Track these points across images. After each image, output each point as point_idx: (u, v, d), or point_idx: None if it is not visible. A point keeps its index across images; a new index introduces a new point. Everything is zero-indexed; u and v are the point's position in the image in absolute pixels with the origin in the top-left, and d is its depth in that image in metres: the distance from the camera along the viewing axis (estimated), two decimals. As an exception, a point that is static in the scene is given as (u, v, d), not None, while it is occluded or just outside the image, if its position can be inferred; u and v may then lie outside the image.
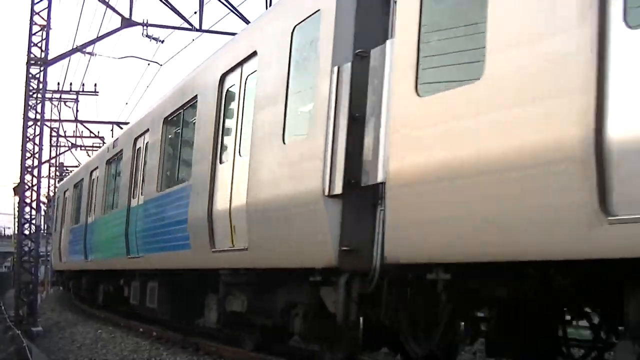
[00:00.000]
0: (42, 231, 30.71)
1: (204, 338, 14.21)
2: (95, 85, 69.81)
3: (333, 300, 7.93)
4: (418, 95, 6.35)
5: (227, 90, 10.85)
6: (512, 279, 6.04)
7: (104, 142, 41.56)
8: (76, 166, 44.15)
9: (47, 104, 35.20)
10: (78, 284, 25.73)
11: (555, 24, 5.21)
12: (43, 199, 43.75)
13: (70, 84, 43.85)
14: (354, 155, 7.23)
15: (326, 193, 7.53)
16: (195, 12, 21.74)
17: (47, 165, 47.94)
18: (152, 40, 23.44)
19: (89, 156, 36.97)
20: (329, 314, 8.21)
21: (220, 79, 10.97)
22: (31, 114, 21.18)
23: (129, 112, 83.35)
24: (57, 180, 51.00)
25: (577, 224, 4.96)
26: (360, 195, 7.31)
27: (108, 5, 21.82)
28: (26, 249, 21.35)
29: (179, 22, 22.47)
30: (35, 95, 21.10)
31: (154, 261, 13.92)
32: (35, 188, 21.49)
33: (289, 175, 8.41)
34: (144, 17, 27.76)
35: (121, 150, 17.49)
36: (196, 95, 12.03)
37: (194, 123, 12.06)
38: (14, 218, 45.97)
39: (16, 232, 24.35)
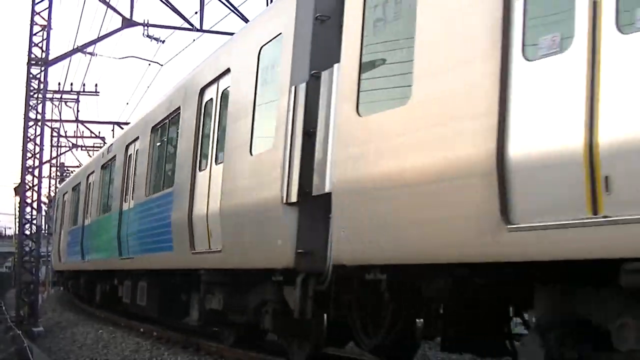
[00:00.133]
0: (42, 231, 30.83)
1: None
2: (96, 85, 69.54)
3: (293, 298, 8.70)
4: (359, 115, 7.12)
5: (206, 102, 11.64)
6: (439, 278, 6.78)
7: (104, 143, 41.41)
8: (77, 166, 44.64)
9: (48, 104, 35.30)
10: (77, 284, 26.62)
11: (467, 57, 5.97)
12: (44, 199, 43.67)
13: (71, 84, 44.00)
14: (308, 167, 8.01)
15: (284, 201, 8.31)
16: (196, 12, 21.76)
17: (47, 165, 48.04)
18: (153, 40, 23.46)
19: (90, 156, 37.50)
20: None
21: (200, 92, 11.76)
22: (32, 114, 21.26)
23: (130, 113, 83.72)
24: (57, 180, 51.25)
25: (483, 231, 5.71)
26: (314, 203, 8.07)
27: (109, 6, 21.86)
28: (27, 249, 21.49)
29: (180, 22, 22.51)
30: (36, 96, 21.17)
31: (142, 262, 14.73)
32: (36, 188, 21.61)
33: (255, 184, 9.19)
34: (144, 17, 28.14)
35: (114, 156, 18.33)
36: (179, 107, 12.82)
37: (178, 132, 12.85)
38: (15, 218, 45.33)
39: (17, 232, 24.56)
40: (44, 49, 20.96)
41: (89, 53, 26.88)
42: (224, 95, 10.83)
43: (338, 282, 8.03)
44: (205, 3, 21.57)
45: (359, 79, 7.19)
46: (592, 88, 5.04)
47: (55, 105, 43.35)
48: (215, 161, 10.88)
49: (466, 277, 6.38)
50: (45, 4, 21.00)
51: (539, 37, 5.53)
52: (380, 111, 6.88)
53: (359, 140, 7.08)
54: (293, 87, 8.37)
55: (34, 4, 20.93)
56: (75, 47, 23.39)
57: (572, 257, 5.19)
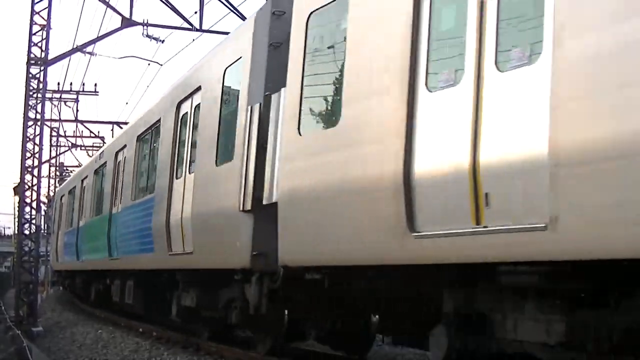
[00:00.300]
0: (42, 231, 30.64)
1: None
2: (96, 85, 67.91)
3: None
4: (299, 134, 8.08)
5: (182, 115, 12.62)
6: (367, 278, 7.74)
7: (104, 142, 41.21)
8: (76, 166, 44.93)
9: (47, 103, 34.66)
10: (73, 283, 27.67)
11: (382, 87, 6.93)
12: (43, 198, 43.38)
13: (71, 83, 43.66)
14: (260, 178, 8.97)
15: (241, 209, 9.28)
16: (196, 12, 21.71)
17: (47, 165, 47.60)
18: (153, 40, 23.27)
19: (89, 156, 37.37)
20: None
21: (177, 105, 12.75)
22: (31, 114, 21.09)
23: (129, 112, 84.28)
24: (57, 180, 51.20)
25: (394, 238, 6.66)
26: (266, 211, 9.03)
27: (108, 5, 21.77)
28: (26, 249, 21.42)
29: (179, 22, 22.23)
30: (35, 95, 21.02)
31: (129, 262, 15.74)
32: (35, 188, 21.49)
33: (219, 192, 10.17)
34: (144, 17, 27.49)
35: (105, 162, 19.36)
36: (160, 119, 13.80)
37: (159, 142, 13.84)
38: (14, 218, 44.18)
39: (16, 232, 24.34)
40: (44, 48, 20.82)
41: (89, 53, 26.53)
42: (197, 110, 11.81)
43: (288, 281, 8.99)
44: (204, 3, 21.53)
45: (301, 102, 8.15)
46: (476, 117, 5.99)
47: (55, 105, 43.16)
48: (189, 170, 11.86)
49: (388, 278, 7.34)
50: (45, 3, 20.94)
51: (438, 71, 6.48)
52: (317, 131, 7.84)
53: (299, 156, 8.04)
54: (249, 107, 9.34)
55: (33, 3, 20.86)
56: (75, 46, 23.32)
57: (460, 261, 6.14)
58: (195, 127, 11.81)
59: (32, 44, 20.77)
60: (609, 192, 4.84)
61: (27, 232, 21.48)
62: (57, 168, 53.04)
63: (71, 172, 48.10)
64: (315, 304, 8.96)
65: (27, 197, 21.46)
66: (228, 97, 10.35)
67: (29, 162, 21.23)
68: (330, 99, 7.81)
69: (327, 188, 7.49)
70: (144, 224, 14.15)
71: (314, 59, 8.13)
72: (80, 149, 47.35)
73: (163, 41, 23.58)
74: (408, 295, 7.84)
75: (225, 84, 10.45)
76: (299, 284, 8.93)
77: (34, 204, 21.50)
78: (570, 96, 5.14)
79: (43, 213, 36.45)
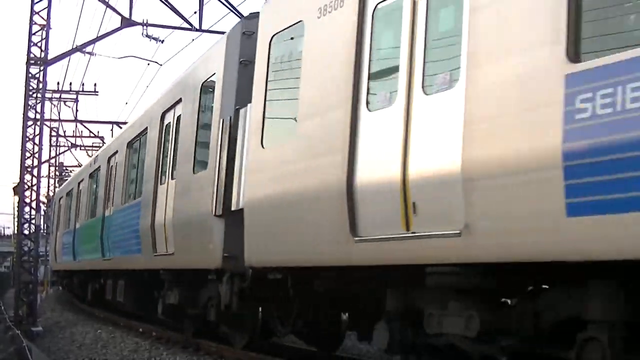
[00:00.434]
0: (41, 231, 30.74)
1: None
2: (95, 85, 67.29)
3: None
4: (262, 146, 8.86)
5: (166, 125, 13.43)
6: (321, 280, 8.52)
7: (103, 142, 41.21)
8: (76, 166, 45.16)
9: (47, 103, 34.42)
10: (71, 283, 28.55)
11: (329, 105, 7.71)
12: (43, 198, 43.33)
13: (70, 83, 43.87)
14: (229, 186, 9.76)
15: (214, 214, 10.07)
16: (195, 12, 21.70)
17: (46, 165, 47.85)
18: (152, 40, 23.24)
19: (89, 156, 37.56)
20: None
21: (162, 116, 13.56)
22: (31, 114, 21.06)
23: (129, 112, 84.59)
24: (56, 180, 51.45)
25: (339, 242, 7.43)
26: (236, 217, 9.81)
27: (108, 5, 21.78)
28: (26, 248, 21.35)
29: (179, 22, 22.30)
30: (35, 95, 20.99)
31: (119, 262, 16.58)
32: (35, 188, 21.45)
33: (196, 198, 10.98)
34: (143, 17, 27.50)
35: (99, 166, 20.20)
36: (146, 128, 14.62)
37: (146, 149, 14.66)
38: (14, 218, 44.64)
39: (16, 231, 24.27)
40: (43, 48, 20.77)
41: (88, 53, 26.56)
42: (178, 121, 12.61)
43: (258, 281, 9.77)
44: (204, 3, 21.56)
45: (264, 117, 8.93)
46: (406, 135, 6.77)
47: (54, 105, 43.11)
48: (171, 177, 12.66)
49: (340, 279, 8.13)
50: (45, 3, 20.95)
51: (376, 93, 7.26)
52: (277, 144, 8.62)
53: (262, 167, 8.83)
54: (221, 120, 10.13)
55: (33, 3, 20.86)
56: (75, 46, 23.33)
57: (394, 262, 6.91)
58: (177, 136, 12.61)
59: (32, 44, 20.76)
60: (512, 203, 5.61)
61: (26, 232, 21.44)
62: (57, 168, 53.21)
63: (71, 172, 48.30)
64: (284, 303, 9.73)
65: (27, 197, 21.42)
66: (204, 110, 11.16)
67: (28, 162, 21.22)
68: (289, 115, 8.58)
69: (286, 196, 8.28)
70: (132, 227, 14.96)
71: (275, 77, 8.92)
72: (80, 149, 47.37)
73: (163, 41, 23.56)
74: (359, 295, 8.63)
75: (201, 98, 11.26)
76: (264, 283, 9.72)
77: (34, 204, 21.46)
78: (478, 117, 5.92)
79: (42, 213, 35.74)
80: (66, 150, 48.60)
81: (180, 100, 12.42)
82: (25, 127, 21.15)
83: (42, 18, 20.84)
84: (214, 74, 10.67)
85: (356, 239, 7.23)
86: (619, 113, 4.93)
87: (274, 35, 8.99)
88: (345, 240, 7.34)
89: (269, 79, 8.99)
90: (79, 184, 24.54)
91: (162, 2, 21.19)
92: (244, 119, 9.61)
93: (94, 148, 44.86)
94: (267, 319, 10.96)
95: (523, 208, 5.51)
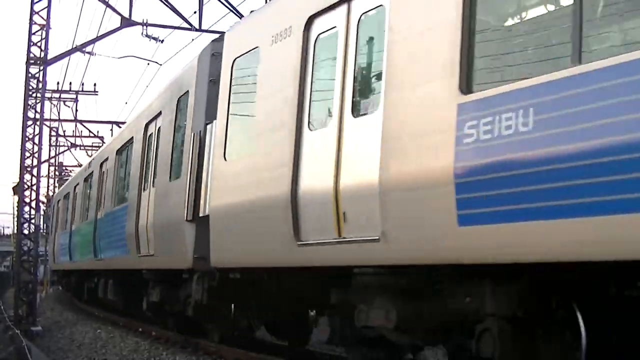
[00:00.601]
0: (41, 231, 30.68)
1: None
2: (95, 84, 65.63)
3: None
4: (225, 159, 9.85)
5: (149, 135, 14.45)
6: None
7: (103, 142, 41.34)
8: (75, 166, 45.48)
9: (47, 103, 33.71)
10: (69, 282, 29.64)
11: (277, 124, 8.69)
12: (42, 198, 43.21)
13: (70, 83, 43.56)
14: (198, 194, 10.77)
15: (185, 219, 11.09)
16: (195, 12, 21.67)
17: (46, 164, 47.60)
18: (152, 39, 23.21)
19: (89, 156, 37.97)
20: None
21: (145, 126, 14.58)
22: (30, 114, 21.08)
23: (129, 112, 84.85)
24: (56, 179, 51.96)
25: (285, 246, 8.41)
26: (205, 221, 10.81)
27: (108, 5, 21.79)
28: (25, 248, 21.37)
29: (179, 21, 22.19)
30: (34, 95, 20.98)
31: (110, 263, 17.64)
32: (34, 187, 21.46)
33: (171, 204, 11.99)
34: (143, 16, 27.85)
35: (93, 171, 21.27)
36: (132, 137, 15.66)
37: (132, 157, 15.70)
38: (14, 217, 44.14)
39: (15, 231, 24.35)
40: (43, 48, 20.79)
41: (88, 52, 26.50)
42: (159, 132, 13.63)
43: (225, 280, 10.77)
44: (204, 3, 21.57)
45: (226, 132, 9.93)
46: (338, 152, 7.74)
47: (54, 105, 42.92)
48: (152, 184, 13.68)
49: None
50: (44, 3, 21.00)
51: (315, 114, 8.24)
52: (237, 157, 9.62)
53: (224, 177, 9.83)
54: (193, 133, 11.14)
55: (32, 3, 20.88)
56: (74, 46, 23.38)
57: (328, 264, 7.89)
58: (157, 147, 13.63)
59: (32, 44, 20.75)
60: (417, 214, 6.56)
61: (26, 231, 21.42)
62: (57, 168, 53.19)
63: (70, 172, 48.71)
64: (250, 300, 10.73)
65: (27, 196, 21.41)
66: (179, 123, 12.17)
67: (28, 162, 21.22)
68: (246, 131, 9.57)
69: (243, 204, 9.27)
70: (120, 229, 16.00)
71: (236, 97, 9.92)
72: (80, 149, 47.18)
73: (162, 41, 23.50)
74: (309, 294, 9.61)
75: (177, 112, 12.27)
76: (229, 282, 10.71)
77: (33, 204, 21.45)
78: (391, 138, 6.89)
79: (42, 213, 35.04)
80: (66, 150, 48.70)
81: (160, 113, 13.43)
82: (25, 127, 21.18)
83: (42, 18, 20.90)
84: (187, 91, 11.68)
85: (299, 243, 8.21)
86: (495, 139, 5.90)
87: (235, 59, 9.98)
88: (290, 244, 8.31)
89: (231, 98, 9.98)
90: (75, 187, 25.64)
91: (162, 2, 21.22)
92: (210, 133, 10.61)
93: (93, 148, 44.69)
94: (237, 315, 11.96)
95: (426, 218, 6.48)
